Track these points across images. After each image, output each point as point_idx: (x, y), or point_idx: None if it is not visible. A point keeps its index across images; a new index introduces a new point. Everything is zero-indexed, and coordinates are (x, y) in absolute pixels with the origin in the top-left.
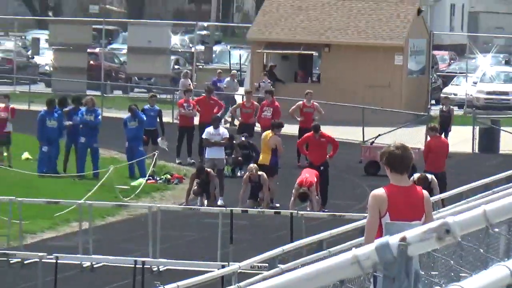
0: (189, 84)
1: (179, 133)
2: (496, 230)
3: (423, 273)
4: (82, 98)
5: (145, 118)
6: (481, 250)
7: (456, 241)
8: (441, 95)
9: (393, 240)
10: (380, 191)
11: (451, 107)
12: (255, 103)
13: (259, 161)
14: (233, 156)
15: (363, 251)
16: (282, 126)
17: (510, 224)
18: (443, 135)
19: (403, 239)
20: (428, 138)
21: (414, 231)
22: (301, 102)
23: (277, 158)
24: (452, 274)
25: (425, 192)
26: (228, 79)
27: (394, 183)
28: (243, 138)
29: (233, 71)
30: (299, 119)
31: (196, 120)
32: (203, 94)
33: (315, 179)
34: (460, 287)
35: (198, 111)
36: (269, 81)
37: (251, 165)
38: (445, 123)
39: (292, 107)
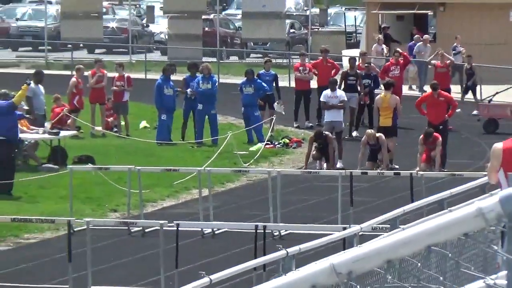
0: (382, 49)
1: (295, 97)
2: None
3: None
4: (198, 64)
5: (264, 86)
6: None
7: None
8: None
9: None
10: (498, 145)
11: None
12: (372, 64)
13: (380, 124)
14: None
15: (487, 203)
16: (394, 85)
17: None
18: None
19: None
20: None
21: None
22: (435, 62)
23: (398, 118)
24: None
25: None
26: (419, 43)
27: None
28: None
29: (425, 36)
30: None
31: (314, 84)
32: (320, 58)
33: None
34: None
35: (316, 74)
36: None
37: (368, 130)
38: None
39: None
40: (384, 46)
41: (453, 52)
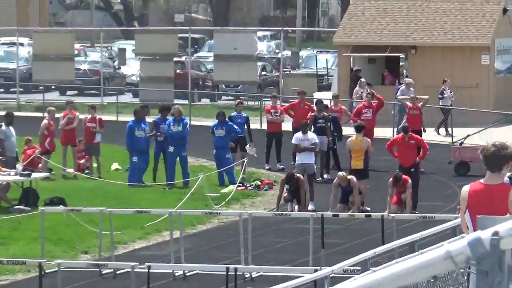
0: (361, 92)
1: (267, 139)
2: None
3: None
4: (170, 107)
5: (236, 128)
6: None
7: None
8: None
9: (485, 234)
10: (465, 188)
11: None
12: (343, 107)
13: (352, 167)
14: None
15: (456, 247)
16: (365, 128)
17: None
18: None
19: (495, 233)
20: None
21: (506, 225)
22: (410, 106)
23: (369, 161)
24: None
25: None
26: (402, 87)
27: (483, 180)
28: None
29: (407, 79)
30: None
31: (287, 126)
32: (292, 100)
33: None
34: None
35: (292, 116)
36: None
37: (340, 173)
38: None
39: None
40: (367, 88)
41: (439, 96)
